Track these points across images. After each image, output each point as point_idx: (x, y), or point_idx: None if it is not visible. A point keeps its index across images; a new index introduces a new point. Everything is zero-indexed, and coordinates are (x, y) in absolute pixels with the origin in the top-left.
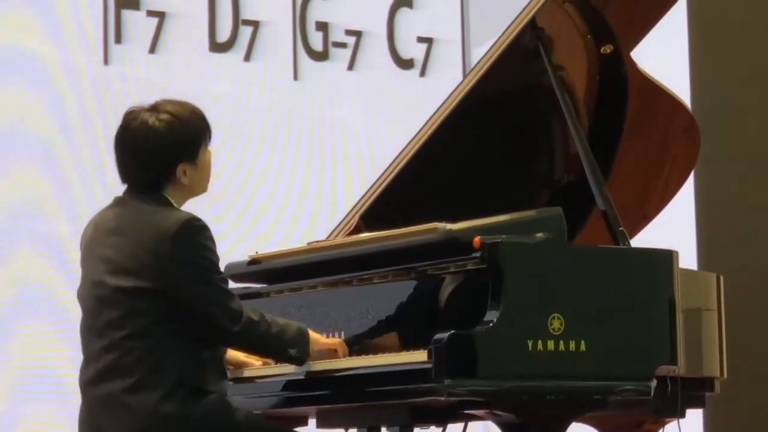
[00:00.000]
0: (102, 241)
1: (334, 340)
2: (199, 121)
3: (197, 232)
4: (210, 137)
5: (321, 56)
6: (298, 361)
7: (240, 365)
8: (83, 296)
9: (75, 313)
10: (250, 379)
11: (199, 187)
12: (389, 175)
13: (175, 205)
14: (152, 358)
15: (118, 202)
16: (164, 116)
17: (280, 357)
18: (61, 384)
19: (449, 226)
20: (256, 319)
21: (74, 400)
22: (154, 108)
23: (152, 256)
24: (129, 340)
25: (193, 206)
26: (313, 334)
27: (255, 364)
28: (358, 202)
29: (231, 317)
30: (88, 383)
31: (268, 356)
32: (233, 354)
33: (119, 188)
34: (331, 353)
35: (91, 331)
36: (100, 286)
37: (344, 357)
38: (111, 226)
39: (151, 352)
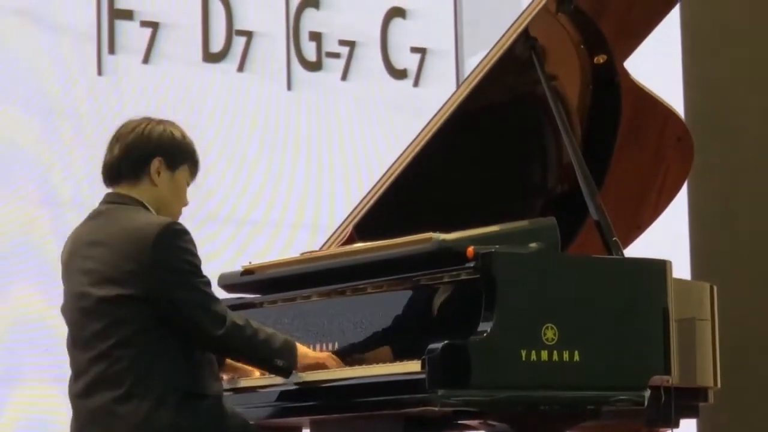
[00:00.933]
0: (82, 254)
1: (323, 354)
2: (193, 150)
3: (177, 236)
4: (195, 171)
5: (314, 66)
6: (285, 372)
7: (236, 370)
8: (67, 310)
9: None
10: (244, 390)
11: (168, 200)
12: (383, 185)
13: (151, 210)
14: (140, 366)
15: (95, 214)
16: (167, 125)
17: (266, 366)
18: (50, 395)
19: (443, 236)
20: (241, 323)
21: (64, 411)
22: (160, 120)
23: (134, 263)
24: (116, 350)
25: (184, 214)
26: (301, 348)
27: (254, 374)
28: (351, 213)
29: (215, 321)
30: (78, 396)
31: (254, 364)
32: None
33: None
34: (320, 366)
35: (76, 344)
36: (83, 298)
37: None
38: (91, 239)
39: (139, 360)
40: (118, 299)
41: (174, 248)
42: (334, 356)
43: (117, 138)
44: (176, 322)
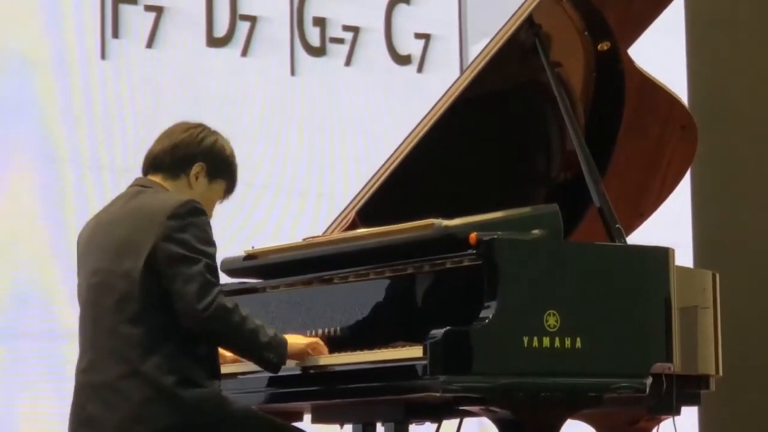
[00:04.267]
0: (102, 232)
1: (312, 341)
2: (235, 168)
3: (194, 213)
4: (230, 190)
5: (318, 52)
6: (274, 366)
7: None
8: (82, 289)
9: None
10: (245, 374)
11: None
12: (386, 170)
13: None
14: (146, 346)
15: (119, 197)
16: (221, 138)
17: (253, 357)
18: (61, 380)
19: (445, 222)
20: (230, 306)
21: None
22: (216, 132)
23: (147, 233)
24: (124, 326)
25: None
26: (291, 338)
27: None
28: (354, 198)
29: (204, 301)
30: (84, 371)
31: (240, 352)
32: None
33: (116, 182)
34: (308, 354)
35: (86, 320)
36: (97, 274)
37: (323, 355)
38: (112, 217)
39: (146, 339)
40: (129, 271)
41: (188, 223)
42: (320, 343)
43: (168, 134)
44: (171, 296)
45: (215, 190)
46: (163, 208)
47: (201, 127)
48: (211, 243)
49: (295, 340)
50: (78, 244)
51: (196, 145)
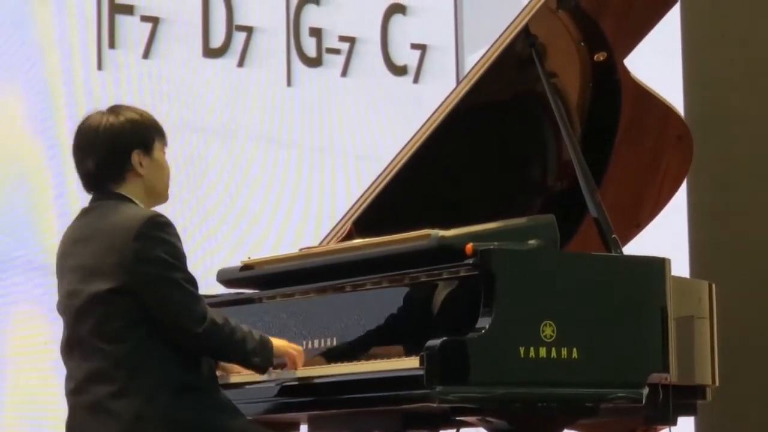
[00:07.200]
0: (71, 252)
1: (292, 349)
2: (153, 121)
3: (159, 228)
4: (165, 141)
5: (314, 62)
6: (261, 369)
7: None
8: (61, 310)
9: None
10: (241, 385)
11: (157, 183)
12: (382, 181)
13: (138, 204)
14: (133, 362)
15: (83, 212)
16: (116, 115)
17: (243, 363)
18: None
19: (442, 232)
20: (220, 322)
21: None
22: (110, 110)
23: (117, 255)
24: (107, 345)
25: (185, 209)
26: (275, 341)
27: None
28: (350, 208)
29: (194, 318)
30: (72, 393)
31: (229, 361)
32: None
33: None
34: (289, 359)
35: (69, 342)
36: (73, 296)
37: (299, 367)
38: (77, 236)
39: (131, 355)
40: (106, 294)
41: (155, 240)
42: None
43: (81, 149)
44: (157, 316)
45: (159, 156)
46: (128, 228)
47: (103, 119)
48: (182, 253)
49: (279, 343)
50: (56, 257)
51: (116, 142)
